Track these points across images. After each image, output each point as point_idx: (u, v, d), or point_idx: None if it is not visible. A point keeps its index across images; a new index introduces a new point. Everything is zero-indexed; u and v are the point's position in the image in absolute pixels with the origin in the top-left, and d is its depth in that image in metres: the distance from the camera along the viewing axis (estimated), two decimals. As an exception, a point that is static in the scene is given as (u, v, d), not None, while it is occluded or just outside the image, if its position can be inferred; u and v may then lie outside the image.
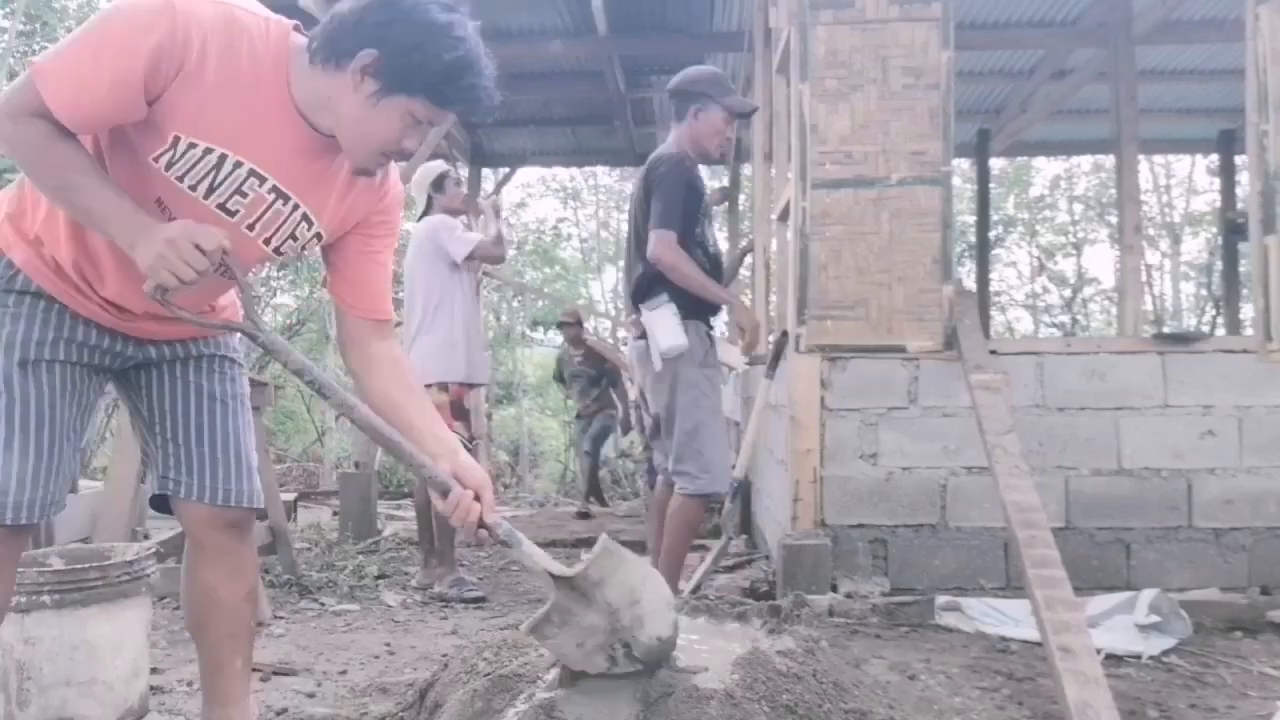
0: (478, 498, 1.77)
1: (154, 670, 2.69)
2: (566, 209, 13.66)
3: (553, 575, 1.75)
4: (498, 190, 10.34)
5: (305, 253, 1.95)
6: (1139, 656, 2.92)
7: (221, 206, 1.73)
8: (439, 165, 4.77)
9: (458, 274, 4.35)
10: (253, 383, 4.47)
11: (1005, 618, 3.27)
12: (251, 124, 1.69)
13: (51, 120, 1.59)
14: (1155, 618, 3.05)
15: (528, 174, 14.42)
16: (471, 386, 4.43)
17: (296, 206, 1.80)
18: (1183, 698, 2.59)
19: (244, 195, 1.74)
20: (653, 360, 3.46)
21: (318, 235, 1.85)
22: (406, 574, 4.67)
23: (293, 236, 1.83)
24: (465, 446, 4.31)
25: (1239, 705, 2.53)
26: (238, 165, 1.71)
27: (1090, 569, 3.55)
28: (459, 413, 4.31)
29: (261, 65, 1.67)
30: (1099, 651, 2.59)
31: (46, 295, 1.78)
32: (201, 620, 2.01)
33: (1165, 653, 2.96)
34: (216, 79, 1.63)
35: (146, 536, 3.98)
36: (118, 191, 1.64)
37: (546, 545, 5.48)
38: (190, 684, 2.72)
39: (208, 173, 1.70)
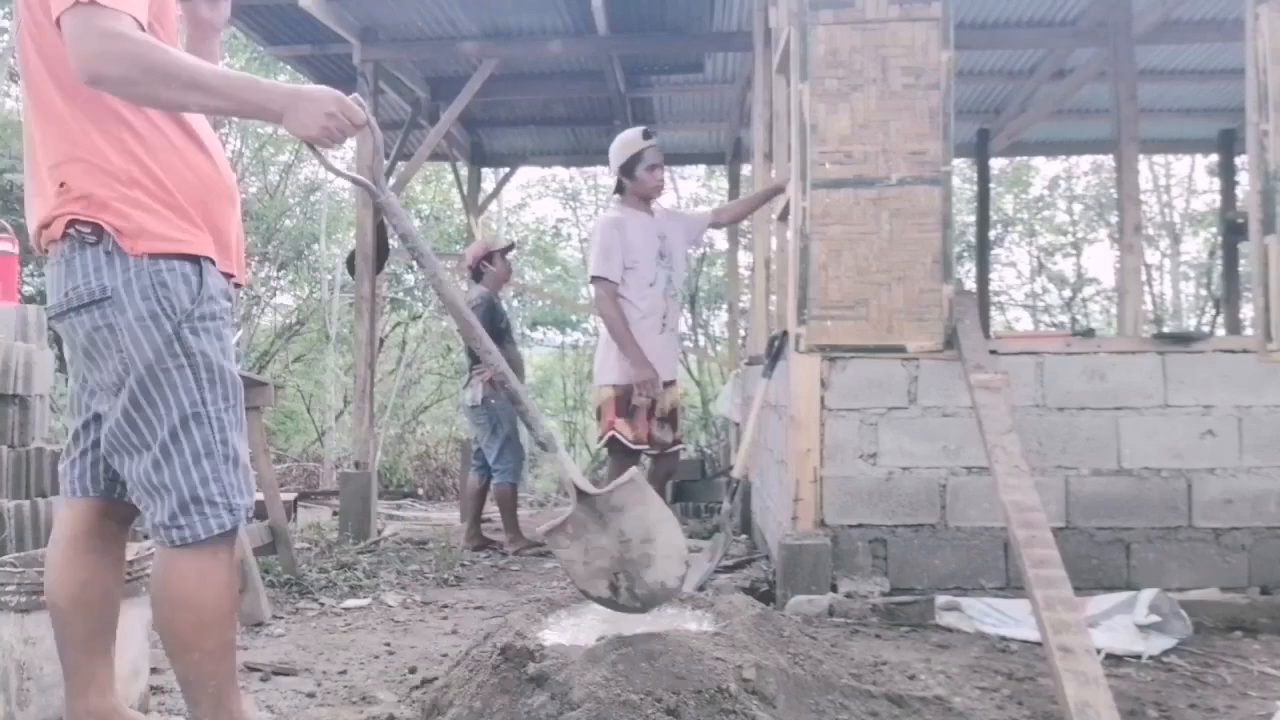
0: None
1: (154, 670, 2.68)
2: (566, 209, 13.64)
3: (578, 489, 1.85)
4: (498, 191, 10.33)
5: None
6: (1139, 656, 2.92)
7: None
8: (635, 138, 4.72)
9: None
10: (252, 382, 4.50)
11: (1005, 618, 3.27)
12: None
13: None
14: (1155, 618, 3.05)
15: (528, 174, 14.40)
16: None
17: None
18: (1183, 698, 2.59)
19: None
20: None
21: None
22: (407, 574, 4.68)
23: None
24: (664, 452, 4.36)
25: (1239, 705, 2.53)
26: None
27: (1090, 569, 3.56)
28: (624, 410, 4.22)
29: None
30: (1099, 651, 2.59)
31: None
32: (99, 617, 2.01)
33: (1165, 653, 2.96)
34: None
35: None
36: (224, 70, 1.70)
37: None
38: (190, 684, 2.72)
39: None
